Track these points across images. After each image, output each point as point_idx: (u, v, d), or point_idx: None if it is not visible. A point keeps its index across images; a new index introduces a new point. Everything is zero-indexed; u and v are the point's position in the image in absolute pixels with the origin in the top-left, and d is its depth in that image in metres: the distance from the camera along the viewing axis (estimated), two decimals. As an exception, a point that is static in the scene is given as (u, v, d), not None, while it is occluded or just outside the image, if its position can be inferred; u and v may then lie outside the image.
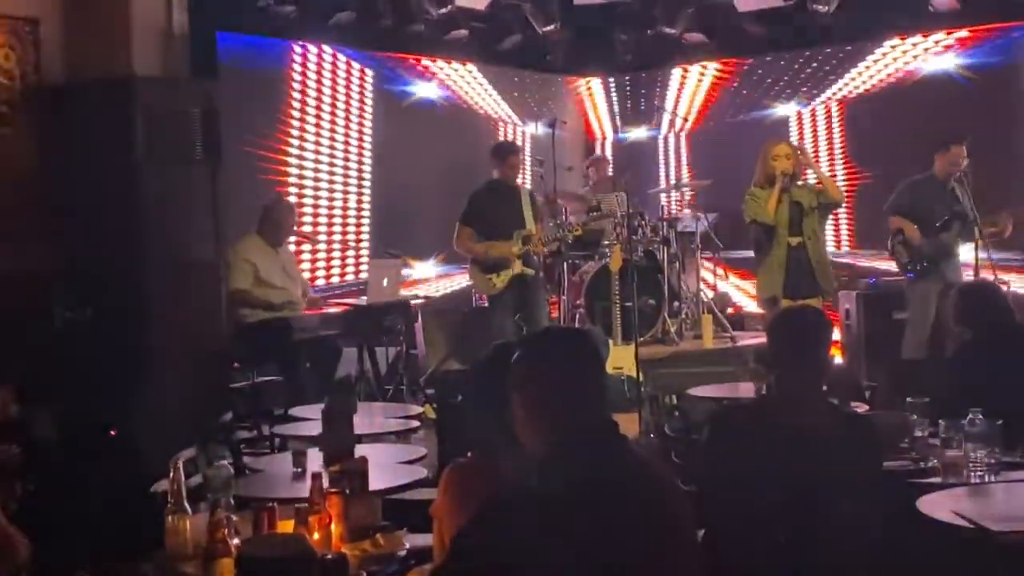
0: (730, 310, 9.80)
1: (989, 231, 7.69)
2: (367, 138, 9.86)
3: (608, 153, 11.45)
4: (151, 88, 6.74)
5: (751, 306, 9.87)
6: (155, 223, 6.60)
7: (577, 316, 8.72)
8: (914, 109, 9.66)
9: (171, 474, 3.31)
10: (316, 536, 3.22)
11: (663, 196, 9.53)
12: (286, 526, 3.27)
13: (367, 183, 9.82)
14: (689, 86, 11.27)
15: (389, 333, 8.46)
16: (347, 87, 9.71)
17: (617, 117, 11.83)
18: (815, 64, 10.55)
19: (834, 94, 10.40)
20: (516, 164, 8.28)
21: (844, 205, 7.81)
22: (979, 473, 3.93)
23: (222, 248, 7.11)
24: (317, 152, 9.38)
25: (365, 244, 9.72)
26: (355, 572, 3.11)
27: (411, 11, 9.40)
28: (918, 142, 8.54)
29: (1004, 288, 6.42)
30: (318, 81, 9.44)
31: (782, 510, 3.37)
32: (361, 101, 9.83)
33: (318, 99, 9.41)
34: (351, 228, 9.66)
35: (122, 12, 6.94)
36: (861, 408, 5.50)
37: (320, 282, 9.18)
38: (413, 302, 8.59)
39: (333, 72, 9.59)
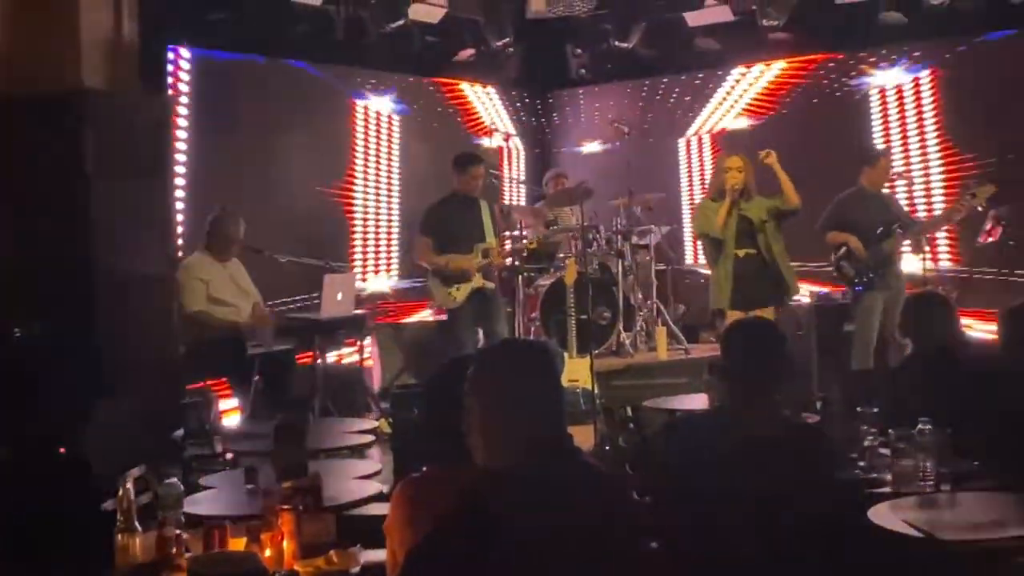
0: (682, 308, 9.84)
1: (960, 209, 7.78)
2: (324, 153, 9.82)
3: (560, 167, 11.47)
4: (100, 101, 6.67)
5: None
6: (105, 238, 6.52)
7: (533, 329, 8.73)
8: (853, 123, 9.81)
9: (121, 492, 3.27)
10: (268, 554, 3.19)
11: (620, 209, 9.56)
12: (238, 544, 3.25)
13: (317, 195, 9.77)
14: (642, 100, 11.33)
15: (343, 347, 8.43)
16: (297, 100, 9.66)
17: (571, 131, 11.86)
18: (764, 78, 10.64)
19: (786, 107, 10.49)
20: (478, 175, 8.20)
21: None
22: (929, 483, 3.97)
23: (173, 263, 7.04)
24: (268, 165, 9.32)
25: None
26: (308, 589, 3.10)
27: (363, 24, 9.37)
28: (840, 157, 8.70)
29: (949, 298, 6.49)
30: (270, 93, 9.40)
31: (736, 520, 3.39)
32: (313, 114, 9.79)
33: (269, 112, 9.35)
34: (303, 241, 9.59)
35: (71, 24, 6.87)
36: (812, 419, 5.54)
37: (273, 296, 9.11)
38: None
39: (285, 84, 9.54)
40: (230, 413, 7.55)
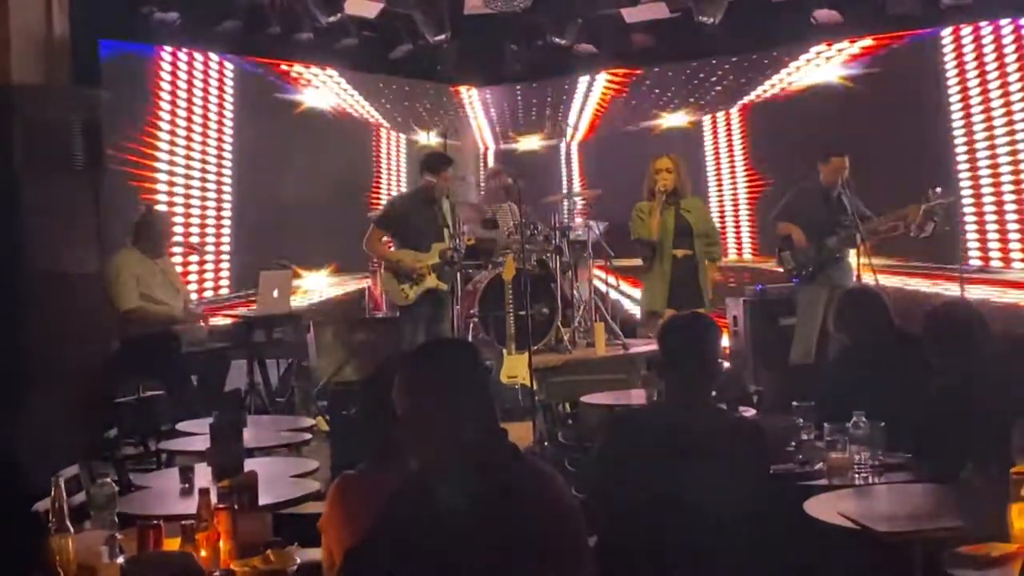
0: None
1: (892, 224, 7.88)
2: (252, 148, 9.73)
3: (499, 164, 11.48)
4: (30, 96, 6.57)
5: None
6: (34, 234, 6.42)
7: (471, 325, 8.72)
8: (805, 118, 9.89)
9: (53, 492, 3.21)
10: (204, 554, 3.15)
11: (558, 205, 9.58)
12: (172, 544, 3.20)
13: (250, 193, 9.67)
14: (580, 96, 11.37)
15: (280, 345, 8.36)
16: (222, 95, 9.55)
17: (509, 127, 11.87)
18: (702, 75, 10.73)
19: (725, 104, 10.57)
20: (449, 176, 8.17)
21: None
22: (863, 475, 4.02)
23: (105, 260, 6.95)
24: (202, 162, 9.23)
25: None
26: (245, 589, 3.06)
27: (299, 19, 9.30)
28: (812, 151, 8.76)
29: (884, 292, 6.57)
30: (201, 89, 9.29)
31: (672, 515, 3.40)
32: (243, 110, 9.69)
33: (196, 108, 9.24)
34: (229, 238, 9.49)
35: (0, 19, 6.76)
36: (749, 412, 5.58)
37: (208, 294, 9.03)
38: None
39: (216, 80, 9.44)
40: (164, 412, 7.45)
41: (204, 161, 9.29)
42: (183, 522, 3.24)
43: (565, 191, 9.41)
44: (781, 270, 8.35)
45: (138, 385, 7.24)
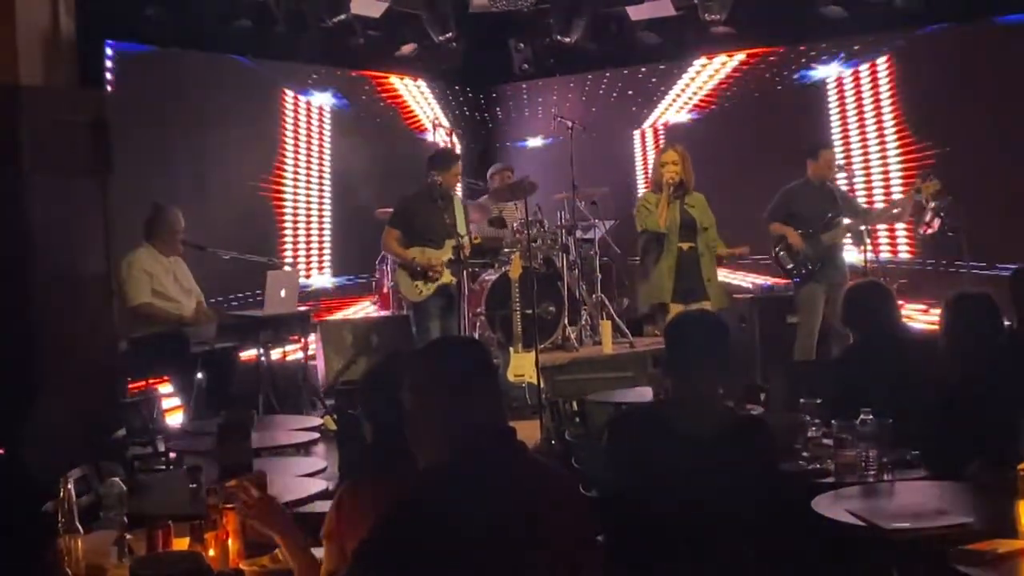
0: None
1: (890, 214, 7.91)
2: (265, 150, 9.75)
3: (504, 162, 11.46)
4: (36, 97, 6.58)
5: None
6: (42, 235, 6.44)
7: (478, 324, 8.72)
8: (793, 116, 9.91)
9: (62, 492, 3.22)
10: (212, 553, 3.16)
11: (564, 203, 9.57)
12: (181, 544, 3.21)
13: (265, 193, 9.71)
14: (586, 94, 11.36)
15: (287, 344, 8.37)
16: (238, 96, 9.58)
17: (514, 126, 11.86)
18: (707, 71, 10.71)
19: (731, 100, 10.56)
20: (458, 173, 8.19)
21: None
22: (871, 472, 4.01)
23: (113, 260, 6.96)
24: (208, 162, 9.23)
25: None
26: (253, 588, 3.07)
27: (305, 19, 9.31)
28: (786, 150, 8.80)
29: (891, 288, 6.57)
30: (209, 89, 9.30)
31: (680, 513, 3.40)
32: (252, 110, 9.71)
33: (208, 108, 9.26)
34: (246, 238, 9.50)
35: (7, 21, 6.78)
36: (756, 410, 5.58)
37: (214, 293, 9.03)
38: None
39: (225, 80, 9.45)
40: (173, 412, 7.47)
41: (218, 164, 9.31)
42: (192, 522, 3.25)
43: (571, 189, 9.39)
44: (778, 269, 8.36)
45: (146, 385, 7.26)
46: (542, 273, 8.72)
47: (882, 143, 9.63)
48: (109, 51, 8.34)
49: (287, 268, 8.87)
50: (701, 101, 10.75)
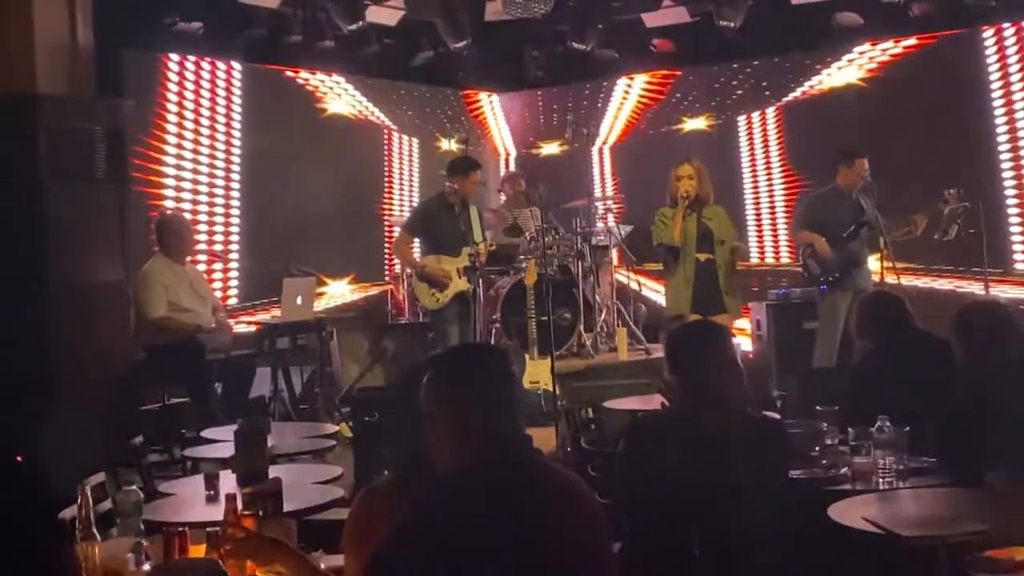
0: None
1: (903, 231, 7.87)
2: (276, 155, 9.77)
3: (517, 169, 11.48)
4: (54, 106, 6.62)
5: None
6: (59, 243, 6.47)
7: (493, 331, 8.73)
8: (826, 121, 9.88)
9: (79, 500, 3.23)
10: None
11: (580, 210, 9.59)
12: (198, 551, 3.21)
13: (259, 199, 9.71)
14: (601, 101, 11.37)
15: (303, 351, 8.38)
16: (245, 102, 9.60)
17: (529, 133, 11.88)
18: (723, 79, 10.72)
19: (755, 106, 10.55)
20: (475, 180, 8.18)
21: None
22: (888, 479, 4.00)
23: (129, 268, 6.99)
24: (226, 171, 9.26)
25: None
26: (269, 596, 3.07)
27: (321, 27, 9.34)
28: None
29: (908, 295, 6.54)
30: (225, 98, 9.33)
31: (696, 519, 3.40)
32: (265, 118, 9.73)
33: (219, 116, 9.27)
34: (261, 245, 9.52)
35: (25, 29, 6.81)
36: (772, 417, 5.56)
37: (232, 301, 9.07)
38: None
39: (237, 88, 9.48)
40: (189, 419, 7.48)
41: (212, 167, 9.31)
42: (208, 529, 3.26)
43: (587, 196, 9.41)
44: (806, 276, 8.33)
45: (163, 392, 7.27)
46: (557, 280, 8.72)
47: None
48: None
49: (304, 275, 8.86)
50: (725, 107, 10.75)
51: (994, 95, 9.23)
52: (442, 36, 9.93)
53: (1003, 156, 9.21)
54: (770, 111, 10.45)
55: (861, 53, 9.82)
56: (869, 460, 4.06)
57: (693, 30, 10.07)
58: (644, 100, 11.20)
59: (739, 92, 10.60)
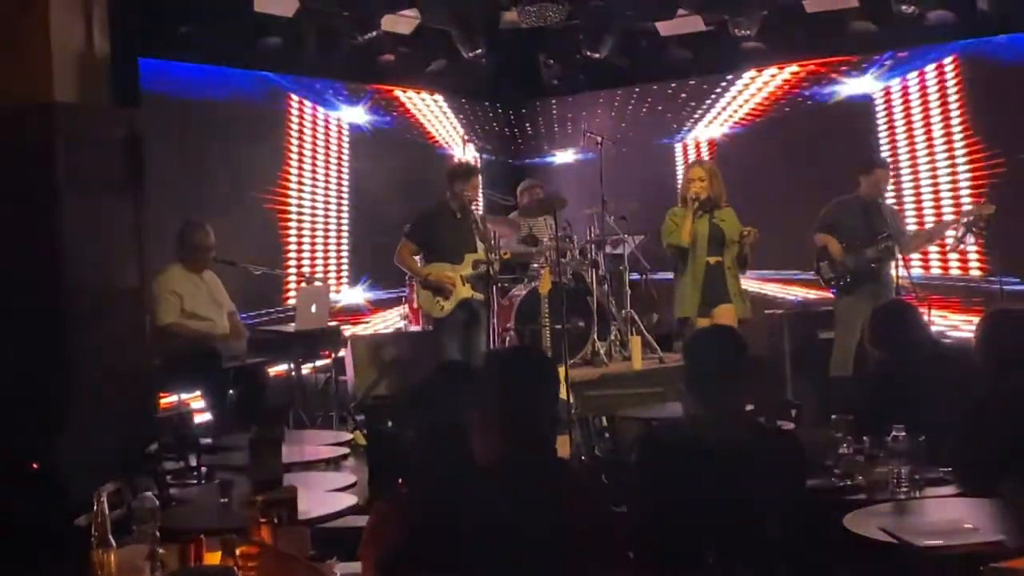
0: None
1: (922, 242, 7.86)
2: (296, 166, 9.80)
3: (534, 178, 11.47)
4: (70, 114, 6.65)
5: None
6: (75, 251, 6.49)
7: (507, 339, 8.73)
8: (836, 130, 9.87)
9: (95, 507, 3.24)
10: (244, 567, 3.17)
11: (594, 218, 9.58)
12: (213, 558, 3.22)
13: (292, 209, 9.74)
14: (616, 109, 11.36)
15: (318, 359, 8.40)
16: (269, 113, 9.63)
17: (544, 141, 11.88)
18: (737, 87, 10.71)
19: (761, 115, 10.54)
20: (476, 186, 8.18)
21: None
22: (903, 489, 3.99)
23: (146, 276, 7.01)
24: (241, 179, 9.29)
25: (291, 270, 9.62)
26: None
27: (336, 36, 9.37)
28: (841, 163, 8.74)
29: (922, 308, 6.52)
30: (239, 106, 9.36)
31: (711, 529, 3.40)
32: (285, 127, 9.77)
33: (239, 125, 9.31)
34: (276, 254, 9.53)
35: (41, 38, 6.85)
36: (787, 426, 5.55)
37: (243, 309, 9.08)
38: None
39: (254, 97, 9.51)
40: (205, 427, 7.51)
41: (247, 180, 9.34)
42: (224, 536, 3.27)
43: (600, 205, 9.41)
44: (818, 280, 8.33)
45: (179, 400, 7.30)
46: (571, 288, 8.72)
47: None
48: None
49: (317, 283, 8.89)
50: (733, 116, 10.74)
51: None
52: (457, 44, 9.95)
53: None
54: (797, 115, 10.42)
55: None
56: (885, 469, 4.05)
57: (709, 39, 10.06)
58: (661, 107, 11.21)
59: (755, 100, 10.58)
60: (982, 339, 4.43)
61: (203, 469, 6.09)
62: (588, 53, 10.26)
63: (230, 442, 5.68)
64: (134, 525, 3.44)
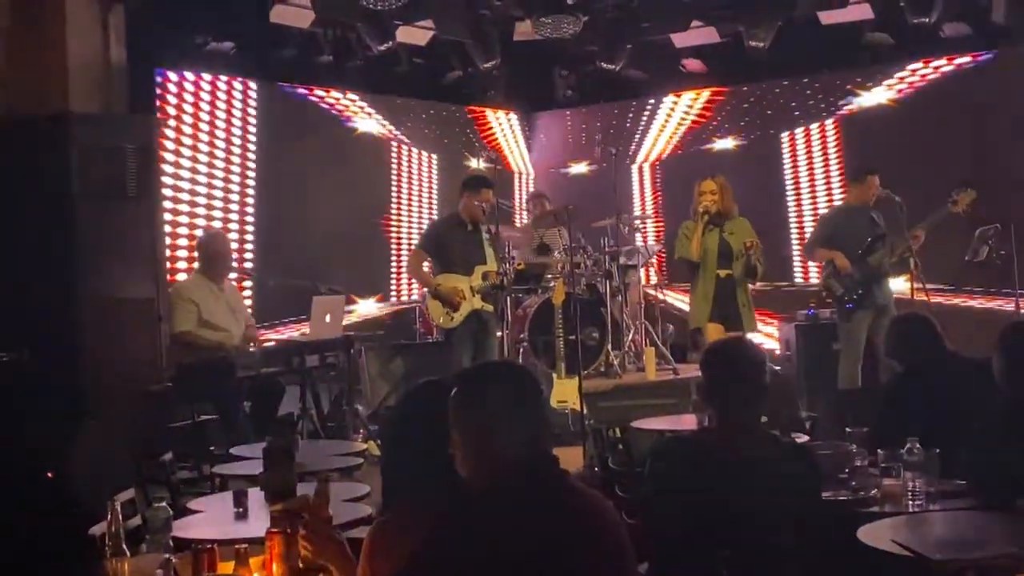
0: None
1: (903, 248, 7.81)
2: (306, 176, 9.83)
3: (540, 189, 11.47)
4: (86, 124, 6.69)
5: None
6: (91, 259, 6.52)
7: (521, 350, 8.72)
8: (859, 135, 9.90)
9: (109, 516, 3.25)
10: (257, 577, 3.18)
11: (607, 229, 9.59)
12: (226, 567, 3.23)
13: (304, 219, 9.77)
14: (630, 121, 11.38)
15: (332, 369, 8.40)
16: (279, 124, 9.65)
17: (558, 152, 11.89)
18: (752, 98, 10.71)
19: (792, 124, 10.56)
20: (488, 199, 8.15)
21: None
22: (918, 502, 3.97)
23: (161, 285, 7.03)
24: (241, 189, 9.32)
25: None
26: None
27: (351, 48, 9.40)
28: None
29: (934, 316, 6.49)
30: (256, 118, 9.39)
31: (724, 541, 3.38)
32: (298, 138, 9.79)
33: (250, 135, 9.33)
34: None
35: (59, 49, 6.90)
36: (801, 439, 5.53)
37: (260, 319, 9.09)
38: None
39: (267, 108, 9.54)
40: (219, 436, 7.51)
41: (259, 189, 9.36)
42: (237, 546, 3.27)
43: (615, 215, 9.40)
44: (828, 297, 8.28)
45: (192, 410, 7.31)
46: (585, 299, 8.71)
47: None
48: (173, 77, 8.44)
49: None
50: (748, 127, 10.75)
51: None
52: (471, 56, 9.98)
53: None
54: (814, 127, 10.41)
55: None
56: (899, 482, 4.03)
57: (723, 50, 10.08)
58: (686, 119, 11.20)
59: (769, 112, 10.59)
60: (1001, 351, 4.41)
61: (217, 479, 6.09)
62: (602, 65, 10.27)
63: (244, 452, 5.68)
64: (148, 534, 3.46)
